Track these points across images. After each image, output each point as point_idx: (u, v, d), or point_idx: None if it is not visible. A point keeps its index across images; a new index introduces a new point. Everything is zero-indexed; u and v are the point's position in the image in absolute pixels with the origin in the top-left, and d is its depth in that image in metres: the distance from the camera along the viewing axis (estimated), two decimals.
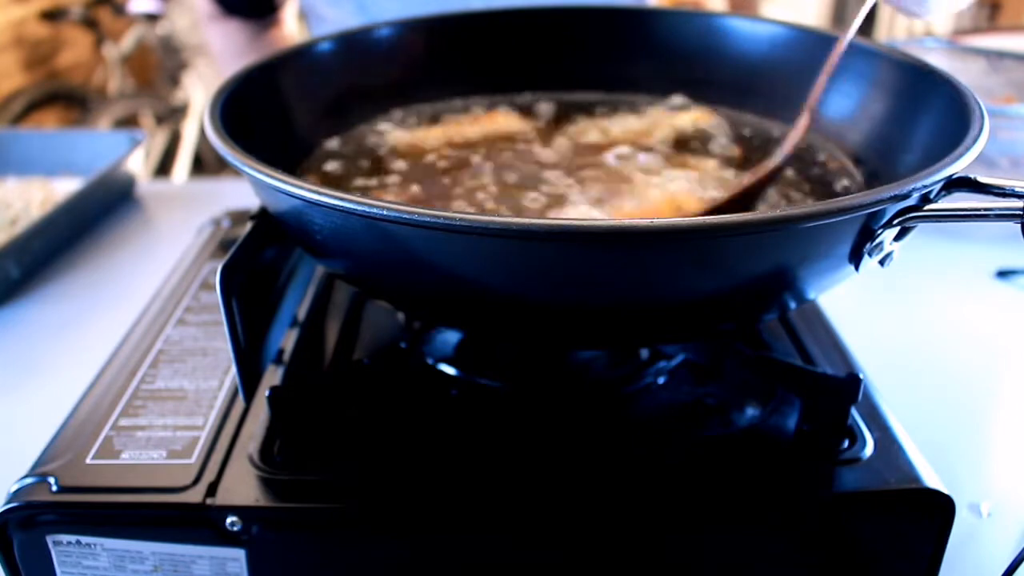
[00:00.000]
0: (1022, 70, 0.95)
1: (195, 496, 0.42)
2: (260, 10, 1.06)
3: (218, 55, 1.11)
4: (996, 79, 0.96)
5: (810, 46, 0.61)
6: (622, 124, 0.63)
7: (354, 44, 0.64)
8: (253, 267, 0.44)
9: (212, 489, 0.43)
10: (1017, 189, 0.37)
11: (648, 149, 0.59)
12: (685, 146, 0.60)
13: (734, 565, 0.44)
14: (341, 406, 0.49)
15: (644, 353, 0.53)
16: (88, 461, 0.45)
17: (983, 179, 0.38)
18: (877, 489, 0.43)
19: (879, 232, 0.38)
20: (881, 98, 0.55)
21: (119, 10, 2.75)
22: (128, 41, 2.80)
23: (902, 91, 0.53)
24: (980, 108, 0.44)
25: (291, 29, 1.12)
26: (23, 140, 1.02)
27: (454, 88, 0.69)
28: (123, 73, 2.78)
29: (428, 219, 0.34)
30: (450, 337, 0.55)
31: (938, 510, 0.42)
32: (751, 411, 0.49)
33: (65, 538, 0.42)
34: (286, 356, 0.53)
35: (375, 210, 0.35)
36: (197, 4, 1.09)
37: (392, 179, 0.56)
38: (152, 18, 2.76)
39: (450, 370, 0.52)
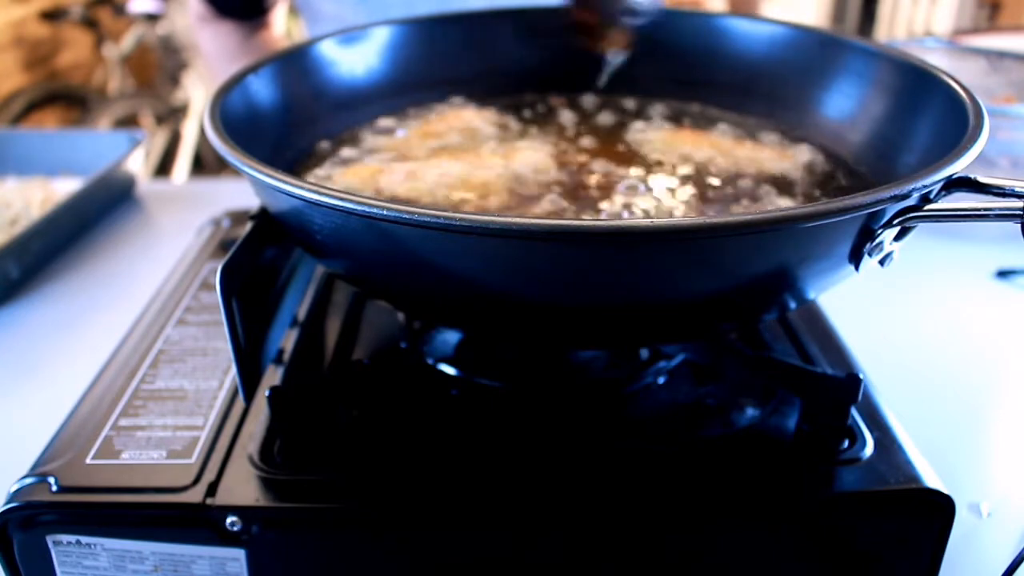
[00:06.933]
0: (1022, 70, 0.96)
1: (195, 496, 0.42)
2: (253, 11, 1.06)
3: (209, 57, 1.11)
4: (996, 79, 0.96)
5: (810, 46, 0.61)
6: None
7: (354, 44, 0.64)
8: (253, 267, 0.44)
9: (212, 489, 0.43)
10: (1017, 189, 0.37)
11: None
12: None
13: (734, 565, 0.44)
14: (341, 406, 0.49)
15: (644, 353, 0.53)
16: (88, 461, 0.45)
17: (983, 179, 0.38)
18: (877, 489, 0.43)
19: (879, 232, 0.38)
20: (881, 98, 0.55)
21: (119, 10, 2.75)
22: (128, 41, 2.80)
23: (902, 91, 0.53)
24: (980, 108, 0.44)
25: (280, 31, 1.13)
26: (23, 140, 1.02)
27: (453, 88, 0.68)
28: (123, 73, 2.78)
29: (428, 219, 0.34)
30: (450, 337, 0.55)
31: (938, 510, 0.42)
32: (751, 411, 0.49)
33: (65, 538, 0.42)
34: (286, 356, 0.53)
35: (375, 210, 0.35)
36: (189, 6, 1.09)
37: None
38: (152, 18, 2.76)
39: (450, 370, 0.52)
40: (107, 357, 0.55)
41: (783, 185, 0.54)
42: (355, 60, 0.64)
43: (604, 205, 0.51)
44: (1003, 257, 0.78)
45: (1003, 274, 0.76)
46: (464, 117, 0.64)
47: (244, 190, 0.58)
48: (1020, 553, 0.41)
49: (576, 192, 0.53)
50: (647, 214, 0.50)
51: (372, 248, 0.40)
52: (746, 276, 0.38)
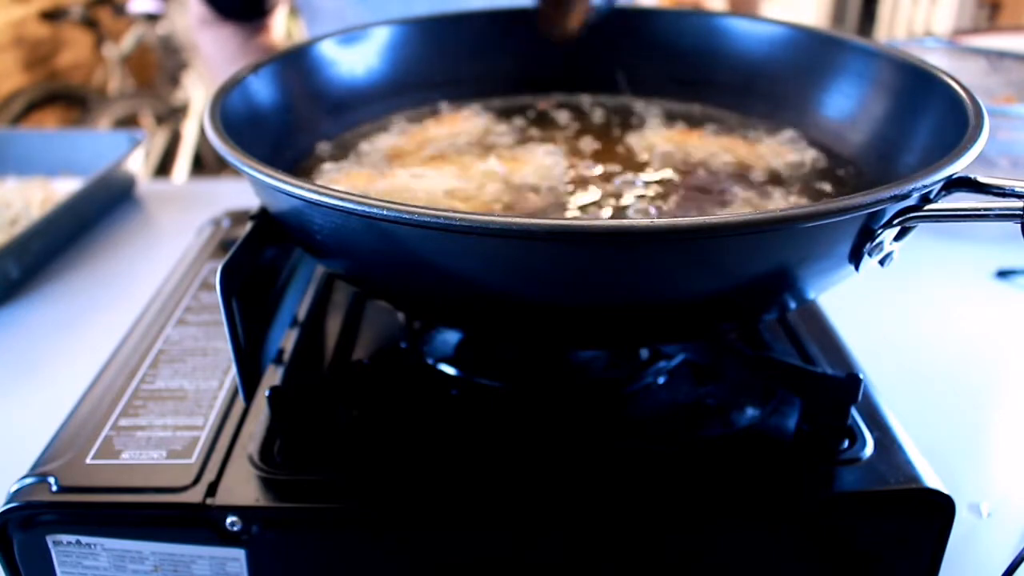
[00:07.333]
0: (1022, 70, 0.96)
1: (195, 496, 0.42)
2: (253, 14, 1.07)
3: (209, 60, 1.11)
4: (996, 79, 0.96)
5: (810, 46, 0.61)
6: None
7: (353, 44, 0.64)
8: (253, 267, 0.44)
9: (212, 489, 0.43)
10: (1017, 189, 0.37)
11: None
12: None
13: (734, 565, 0.44)
14: (341, 406, 0.49)
15: (644, 353, 0.53)
16: (88, 461, 0.45)
17: (983, 179, 0.38)
18: (877, 489, 0.43)
19: (879, 232, 0.38)
20: (881, 98, 0.55)
21: (119, 10, 2.75)
22: (128, 41, 2.80)
23: (902, 91, 0.53)
24: (980, 108, 0.44)
25: (280, 33, 1.13)
26: (23, 140, 1.02)
27: (452, 88, 0.68)
28: (123, 73, 2.78)
29: (428, 219, 0.34)
30: (450, 337, 0.55)
31: (938, 510, 0.42)
32: (751, 411, 0.49)
33: (65, 538, 0.42)
34: (286, 356, 0.53)
35: (375, 210, 0.35)
36: (190, 8, 1.09)
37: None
38: (152, 18, 2.76)
39: (450, 370, 0.52)
40: (107, 357, 0.55)
41: (783, 185, 0.54)
42: (355, 60, 0.64)
43: (604, 204, 0.51)
44: (1003, 257, 0.78)
45: (1003, 274, 0.76)
46: (462, 119, 0.64)
47: (244, 190, 0.58)
48: (1020, 553, 0.41)
49: (575, 192, 0.53)
50: (647, 214, 0.50)
51: (372, 248, 0.40)
52: (746, 276, 0.38)
